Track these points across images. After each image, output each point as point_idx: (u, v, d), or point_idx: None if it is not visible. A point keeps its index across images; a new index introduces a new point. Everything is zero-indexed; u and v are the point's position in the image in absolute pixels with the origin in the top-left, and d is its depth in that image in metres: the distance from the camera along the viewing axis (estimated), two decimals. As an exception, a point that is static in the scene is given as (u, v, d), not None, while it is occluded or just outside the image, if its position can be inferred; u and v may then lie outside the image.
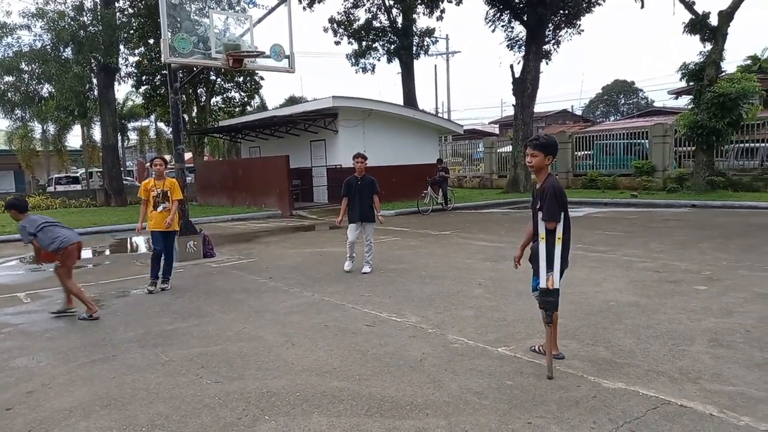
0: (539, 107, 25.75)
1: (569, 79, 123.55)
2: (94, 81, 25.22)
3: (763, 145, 19.12)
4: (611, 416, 3.41)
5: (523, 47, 23.57)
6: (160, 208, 7.54)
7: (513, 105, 23.42)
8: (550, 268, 4.04)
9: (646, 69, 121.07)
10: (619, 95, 70.17)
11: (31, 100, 24.97)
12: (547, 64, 24.54)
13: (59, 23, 22.32)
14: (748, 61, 30.17)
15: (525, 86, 22.63)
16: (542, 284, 4.08)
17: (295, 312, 6.22)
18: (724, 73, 18.40)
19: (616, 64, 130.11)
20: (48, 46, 23.37)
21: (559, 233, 4.06)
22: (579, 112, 59.94)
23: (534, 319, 5.52)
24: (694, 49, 53.75)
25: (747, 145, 19.69)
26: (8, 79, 23.93)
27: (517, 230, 12.57)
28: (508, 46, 25.06)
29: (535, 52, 22.60)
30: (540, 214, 4.12)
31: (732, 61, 63.40)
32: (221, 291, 7.50)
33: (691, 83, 18.95)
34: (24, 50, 23.23)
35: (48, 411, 3.86)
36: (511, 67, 23.03)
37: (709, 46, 18.20)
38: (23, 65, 23.54)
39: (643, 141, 22.32)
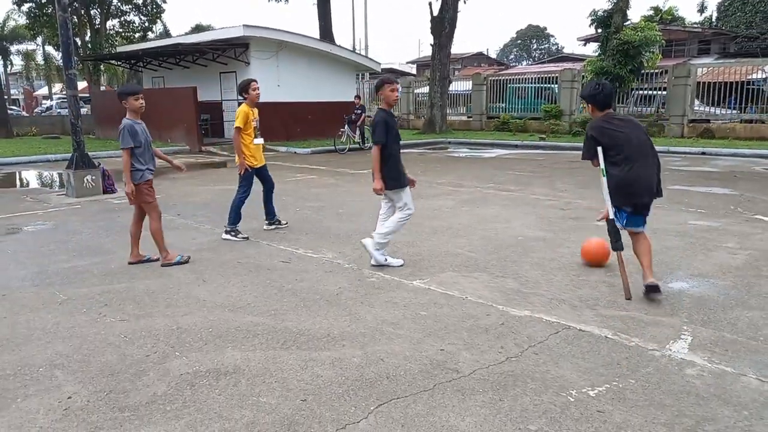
0: (456, 48, 25.79)
1: (485, 22, 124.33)
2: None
3: (659, 92, 20.35)
4: (517, 341, 3.60)
5: (442, -16, 23.19)
6: (260, 140, 6.56)
7: (431, 44, 23.23)
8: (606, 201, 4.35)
9: (558, 15, 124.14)
10: (532, 40, 71.71)
11: None
12: (465, 2, 24.38)
13: None
14: (651, 12, 31.78)
15: (443, 25, 22.43)
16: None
17: (205, 249, 5.99)
18: (629, 22, 19.17)
19: (531, 8, 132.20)
20: None
21: (602, 169, 4.32)
22: (494, 56, 60.81)
23: (447, 253, 5.68)
24: (602, -2, 55.46)
25: (645, 92, 20.90)
26: None
27: (432, 170, 12.77)
28: (427, -19, 24.54)
29: (453, -11, 22.32)
30: None
31: (636, 10, 66.30)
32: (124, 228, 7.03)
33: (599, 30, 19.62)
34: None
35: (-74, 355, 3.51)
36: (430, 4, 22.68)
37: (617, -6, 18.80)
38: None
39: (552, 86, 23.05)
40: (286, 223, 6.96)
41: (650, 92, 20.75)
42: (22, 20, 29.74)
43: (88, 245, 6.21)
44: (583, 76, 20.93)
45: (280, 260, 5.53)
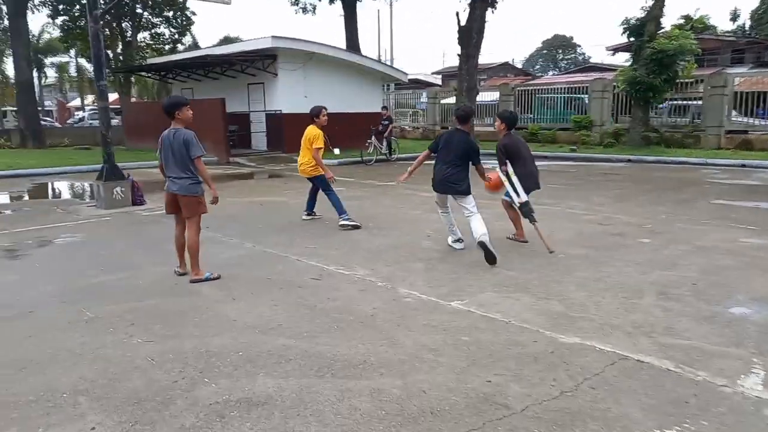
0: (481, 59, 25.33)
1: (510, 32, 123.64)
2: (3, 8, 22.74)
3: (694, 102, 19.75)
4: (570, 373, 3.32)
5: (469, -7, 22.97)
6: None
7: (458, 55, 22.98)
8: (516, 193, 6.21)
9: (584, 24, 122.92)
10: (558, 50, 70.93)
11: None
12: (493, 12, 24.08)
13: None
14: (682, 21, 31.05)
15: (471, 36, 22.16)
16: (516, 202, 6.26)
17: (234, 264, 5.83)
18: (662, 31, 18.68)
19: (557, 18, 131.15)
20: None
21: (510, 171, 6.27)
22: (519, 66, 60.26)
23: (485, 271, 5.41)
24: (633, 6, 54.50)
25: (679, 102, 20.31)
26: None
27: (462, 181, 12.46)
28: (454, -8, 24.39)
29: (481, -1, 22.09)
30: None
31: (666, 19, 64.84)
32: (152, 241, 6.97)
33: (632, 39, 19.17)
34: None
35: (-51, 377, 3.38)
36: (457, 14, 22.41)
37: (650, 2, 18.35)
38: None
39: (582, 96, 22.60)
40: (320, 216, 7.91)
41: (684, 102, 20.16)
42: (56, 33, 30.37)
43: (116, 259, 6.11)
44: (614, 86, 20.47)
45: (311, 277, 5.33)
